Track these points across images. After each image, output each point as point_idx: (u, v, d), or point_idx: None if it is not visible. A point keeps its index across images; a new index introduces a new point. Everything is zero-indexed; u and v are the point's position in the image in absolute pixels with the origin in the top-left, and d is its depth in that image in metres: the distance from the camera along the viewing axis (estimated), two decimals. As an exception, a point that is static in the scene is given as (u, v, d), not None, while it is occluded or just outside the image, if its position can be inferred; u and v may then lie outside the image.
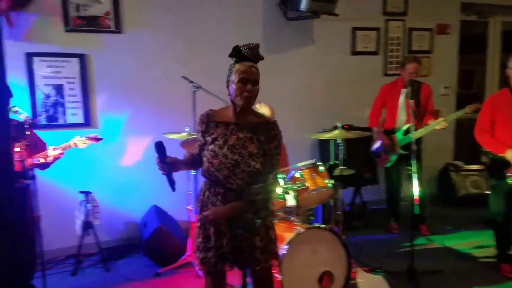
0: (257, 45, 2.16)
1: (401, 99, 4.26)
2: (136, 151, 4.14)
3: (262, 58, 2.17)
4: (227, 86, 2.18)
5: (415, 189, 3.52)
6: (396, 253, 3.96)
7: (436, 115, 4.31)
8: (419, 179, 3.56)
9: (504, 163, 3.33)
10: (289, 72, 4.73)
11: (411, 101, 3.62)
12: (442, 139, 5.43)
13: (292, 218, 3.11)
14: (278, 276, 2.76)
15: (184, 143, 3.32)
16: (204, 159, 2.18)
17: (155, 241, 3.66)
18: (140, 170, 4.13)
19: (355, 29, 4.95)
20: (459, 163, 5.48)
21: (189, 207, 3.67)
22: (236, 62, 2.15)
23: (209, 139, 2.18)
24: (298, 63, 4.75)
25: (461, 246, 4.11)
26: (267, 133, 2.16)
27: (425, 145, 4.46)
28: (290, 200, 3.08)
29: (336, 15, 4.45)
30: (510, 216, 3.48)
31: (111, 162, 4.07)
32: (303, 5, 4.17)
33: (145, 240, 3.71)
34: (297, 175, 3.15)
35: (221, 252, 2.17)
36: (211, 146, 2.15)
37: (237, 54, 2.14)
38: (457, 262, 3.81)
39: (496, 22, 5.94)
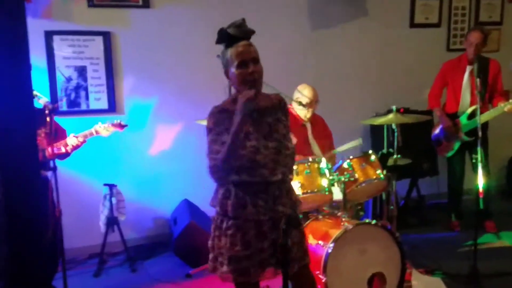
0: (243, 19, 2.10)
1: (466, 77, 4.19)
2: (165, 140, 4.14)
3: (253, 32, 2.11)
4: (227, 76, 2.14)
5: (480, 181, 3.44)
6: (457, 253, 3.94)
7: (506, 96, 4.23)
8: (485, 169, 3.51)
9: None
10: (338, 49, 4.65)
11: (477, 80, 3.51)
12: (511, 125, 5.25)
13: (339, 214, 3.08)
14: (322, 278, 2.74)
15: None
16: (238, 161, 2.08)
17: (186, 239, 3.65)
18: (170, 161, 4.14)
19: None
20: (532, 152, 5.32)
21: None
22: (227, 46, 2.09)
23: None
24: (348, 38, 4.68)
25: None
26: (284, 110, 2.23)
27: (493, 131, 4.32)
28: (337, 194, 3.05)
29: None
30: None
31: (137, 152, 4.08)
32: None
33: (175, 237, 3.71)
34: (345, 165, 3.10)
35: (262, 257, 2.14)
36: (248, 143, 2.09)
37: (226, 37, 2.08)
38: (528, 264, 3.75)
39: None
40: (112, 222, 3.66)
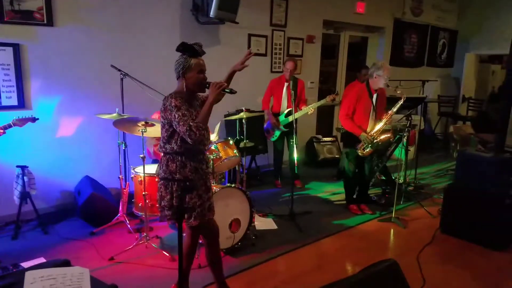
0: (200, 43, 2.17)
1: (284, 90, 4.41)
2: (69, 128, 3.74)
3: (204, 53, 2.17)
4: (183, 77, 2.10)
5: (295, 155, 3.76)
6: (281, 202, 4.16)
7: (306, 102, 4.51)
8: (296, 148, 3.79)
9: (356, 139, 3.67)
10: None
11: (292, 92, 3.85)
12: (309, 119, 5.73)
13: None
14: None
15: (116, 122, 3.11)
16: (188, 134, 2.00)
17: (89, 206, 3.40)
18: (73, 146, 3.77)
19: (250, 35, 4.96)
20: (319, 136, 5.86)
21: (119, 176, 3.45)
22: (189, 56, 2.10)
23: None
24: (208, 61, 4.65)
25: (323, 194, 4.48)
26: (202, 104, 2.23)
27: (299, 124, 4.67)
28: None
29: (237, 23, 4.46)
30: (356, 173, 3.87)
31: (45, 139, 3.63)
32: (212, 13, 4.09)
33: (80, 205, 3.44)
34: (213, 147, 3.15)
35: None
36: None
37: (190, 50, 2.10)
38: (321, 205, 4.14)
39: (346, 35, 6.41)
40: (25, 196, 3.25)
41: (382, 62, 3.88)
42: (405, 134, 3.87)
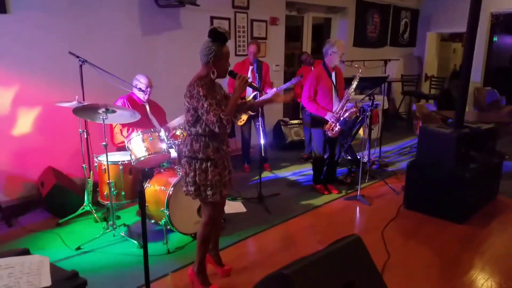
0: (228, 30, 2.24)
1: (249, 74, 4.43)
2: (28, 119, 3.63)
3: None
4: (212, 63, 2.13)
5: (261, 139, 3.86)
6: (250, 185, 4.24)
7: (271, 85, 4.60)
8: (263, 131, 3.89)
9: (322, 120, 3.76)
10: (164, 53, 4.55)
11: (257, 75, 3.91)
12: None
13: (175, 167, 3.17)
14: (166, 212, 2.82)
15: (76, 110, 3.04)
16: (218, 124, 2.09)
17: (53, 197, 3.36)
18: (34, 136, 3.67)
19: (212, 18, 4.92)
20: (286, 119, 5.97)
21: (83, 165, 3.41)
22: (221, 44, 2.12)
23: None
24: (170, 44, 4.59)
25: (291, 176, 4.62)
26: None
27: (266, 108, 4.71)
28: (173, 153, 3.11)
29: (198, 5, 4.41)
30: (324, 154, 3.96)
31: (3, 130, 3.52)
32: (171, -6, 4.04)
33: (44, 196, 3.39)
34: (178, 132, 3.16)
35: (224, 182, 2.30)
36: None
37: (222, 38, 2.11)
38: (289, 187, 4.27)
39: (309, 17, 6.50)
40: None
41: (335, 39, 3.96)
42: (368, 113, 4.04)
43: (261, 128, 3.86)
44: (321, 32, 7.00)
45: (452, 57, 9.73)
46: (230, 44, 5.04)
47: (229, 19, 5.13)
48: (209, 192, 2.22)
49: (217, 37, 2.10)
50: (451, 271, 2.66)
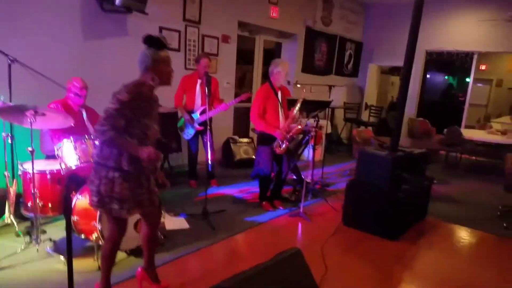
0: (163, 36, 2.19)
1: (198, 87, 4.44)
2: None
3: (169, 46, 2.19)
4: (151, 69, 2.09)
5: (210, 155, 3.82)
6: (195, 202, 4.19)
7: (221, 101, 4.59)
8: (211, 147, 3.86)
9: (271, 138, 3.85)
10: (109, 59, 4.43)
11: (206, 89, 3.92)
12: (225, 120, 5.94)
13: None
14: (98, 226, 2.68)
15: (0, 111, 2.82)
16: (100, 133, 2.00)
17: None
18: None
19: (161, 28, 4.90)
20: (235, 137, 6.04)
21: (5, 173, 3.15)
22: (157, 49, 2.10)
23: (139, 114, 2.07)
24: (115, 51, 4.48)
25: (237, 193, 4.65)
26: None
27: (215, 124, 4.76)
28: None
29: (146, 13, 4.39)
30: (271, 172, 4.04)
31: None
32: (118, 0, 3.97)
33: None
34: None
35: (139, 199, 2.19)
36: (144, 120, 2.08)
37: (158, 43, 2.10)
38: (235, 203, 4.29)
39: (261, 39, 6.74)
40: None
41: (280, 59, 4.17)
42: (312, 134, 4.26)
43: (208, 143, 3.86)
44: (273, 56, 7.30)
45: (390, 89, 10.63)
46: (179, 56, 5.28)
47: (179, 31, 5.15)
48: (116, 206, 2.11)
49: (152, 42, 2.12)
50: (384, 285, 2.84)
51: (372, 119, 9.05)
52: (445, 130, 6.85)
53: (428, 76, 9.28)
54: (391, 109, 9.79)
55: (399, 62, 4.01)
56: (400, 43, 4.00)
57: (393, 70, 10.41)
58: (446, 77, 11.71)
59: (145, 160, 2.02)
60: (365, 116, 9.24)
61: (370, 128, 8.23)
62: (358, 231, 3.75)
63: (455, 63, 7.83)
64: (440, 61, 8.48)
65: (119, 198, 2.09)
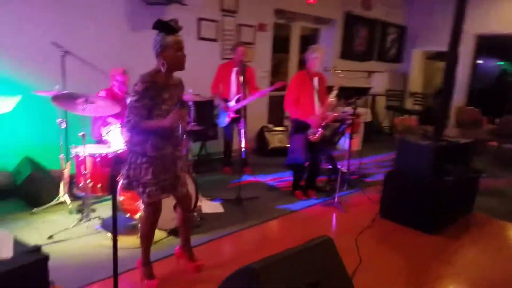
0: (177, 19, 2.17)
1: (233, 76, 4.49)
2: (6, 107, 3.61)
3: (181, 29, 2.17)
4: (161, 56, 2.13)
5: (243, 142, 3.89)
6: (229, 188, 4.27)
7: (257, 89, 4.58)
8: (244, 135, 3.90)
9: (305, 126, 3.83)
10: (149, 49, 4.60)
11: (241, 78, 3.98)
12: (260, 108, 6.00)
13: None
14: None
15: (55, 99, 3.05)
16: (126, 123, 2.13)
17: (28, 186, 3.40)
18: (11, 125, 3.68)
19: (200, 19, 4.99)
20: (270, 125, 6.07)
21: (60, 156, 3.42)
22: (167, 34, 2.11)
23: (158, 101, 2.15)
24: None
25: (271, 181, 4.66)
26: (183, 87, 2.38)
27: (249, 112, 4.80)
28: None
29: (185, 4, 4.51)
30: (306, 161, 4.00)
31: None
32: (158, -9, 4.11)
33: (19, 185, 3.43)
34: None
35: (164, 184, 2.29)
36: (164, 106, 2.14)
37: (167, 27, 2.11)
38: (268, 191, 4.34)
39: (297, 26, 6.64)
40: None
41: (316, 45, 4.09)
42: (349, 122, 4.17)
43: (242, 131, 3.91)
44: (309, 43, 7.15)
45: (437, 76, 10.07)
46: (216, 46, 5.36)
47: (216, 21, 5.21)
48: (140, 190, 2.23)
49: (162, 27, 2.12)
50: (420, 279, 2.76)
51: (416, 107, 8.67)
52: (497, 120, 6.42)
53: (480, 61, 8.67)
54: (438, 97, 9.29)
55: (445, 47, 3.79)
56: (446, 26, 3.78)
57: (440, 55, 9.84)
58: (500, 63, 10.89)
59: (173, 124, 2.14)
60: (409, 104, 8.88)
61: (414, 116, 7.88)
62: (396, 224, 3.63)
63: (510, 48, 7.26)
64: (494, 45, 7.90)
65: (143, 183, 2.21)
